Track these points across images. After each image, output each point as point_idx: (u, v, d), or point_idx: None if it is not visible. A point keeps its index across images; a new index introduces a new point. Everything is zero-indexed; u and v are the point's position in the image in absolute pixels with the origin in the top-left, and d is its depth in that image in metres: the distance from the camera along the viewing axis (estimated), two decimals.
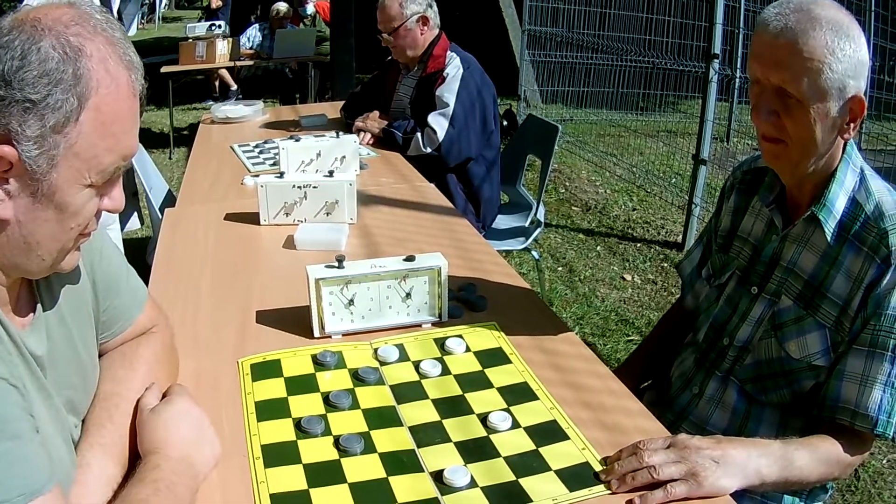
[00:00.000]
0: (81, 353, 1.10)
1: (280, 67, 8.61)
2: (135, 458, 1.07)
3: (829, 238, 1.35)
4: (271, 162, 2.75)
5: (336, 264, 1.48)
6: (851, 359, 1.32)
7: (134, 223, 3.60)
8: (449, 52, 3.14)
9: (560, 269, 4.39)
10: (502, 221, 3.41)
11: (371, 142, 3.12)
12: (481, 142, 3.14)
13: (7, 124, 0.84)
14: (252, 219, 2.15)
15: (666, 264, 4.43)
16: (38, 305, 1.01)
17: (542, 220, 3.37)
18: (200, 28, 8.42)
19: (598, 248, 4.72)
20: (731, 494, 1.12)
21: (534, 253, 3.57)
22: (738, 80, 5.12)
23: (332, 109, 3.73)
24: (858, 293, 1.32)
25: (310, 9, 8.73)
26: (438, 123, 2.99)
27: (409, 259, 1.52)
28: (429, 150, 2.99)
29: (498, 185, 3.35)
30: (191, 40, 7.79)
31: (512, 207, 3.57)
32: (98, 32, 0.89)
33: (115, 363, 1.20)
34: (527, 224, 3.40)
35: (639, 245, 4.75)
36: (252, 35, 8.59)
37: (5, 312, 0.93)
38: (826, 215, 1.35)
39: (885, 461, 2.63)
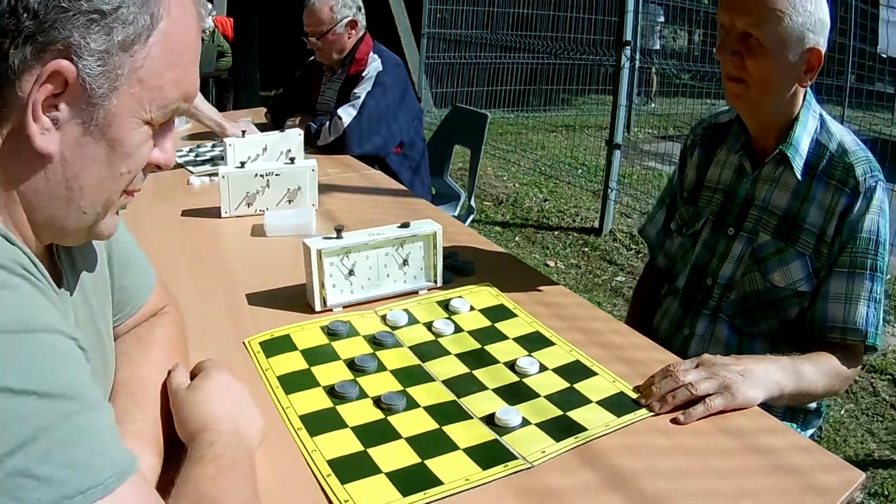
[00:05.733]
0: (103, 335, 1.02)
1: None
2: (169, 443, 1.00)
3: (798, 175, 1.46)
4: (212, 163, 2.69)
5: (335, 235, 1.47)
6: (834, 281, 1.44)
7: None
8: (372, 53, 3.13)
9: None
10: None
11: None
12: (394, 142, 3.13)
13: (68, 38, 0.75)
14: (210, 213, 2.09)
15: (587, 249, 4.57)
16: (64, 280, 0.91)
17: (474, 206, 3.42)
18: None
19: (517, 238, 4.82)
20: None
21: None
22: (637, 70, 5.37)
23: (254, 115, 3.68)
24: (833, 222, 1.43)
25: (209, 23, 8.54)
26: (346, 112, 2.97)
27: (405, 226, 1.52)
28: (332, 137, 2.95)
29: (428, 182, 3.38)
30: None
31: (441, 199, 3.59)
32: None
33: (130, 347, 1.12)
34: (456, 213, 3.45)
35: (556, 233, 4.88)
36: None
37: None
38: (793, 153, 1.47)
39: None
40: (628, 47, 4.34)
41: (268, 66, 6.72)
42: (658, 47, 7.11)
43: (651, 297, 1.82)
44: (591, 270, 4.25)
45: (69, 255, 0.94)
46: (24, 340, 0.66)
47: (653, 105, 8.19)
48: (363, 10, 3.18)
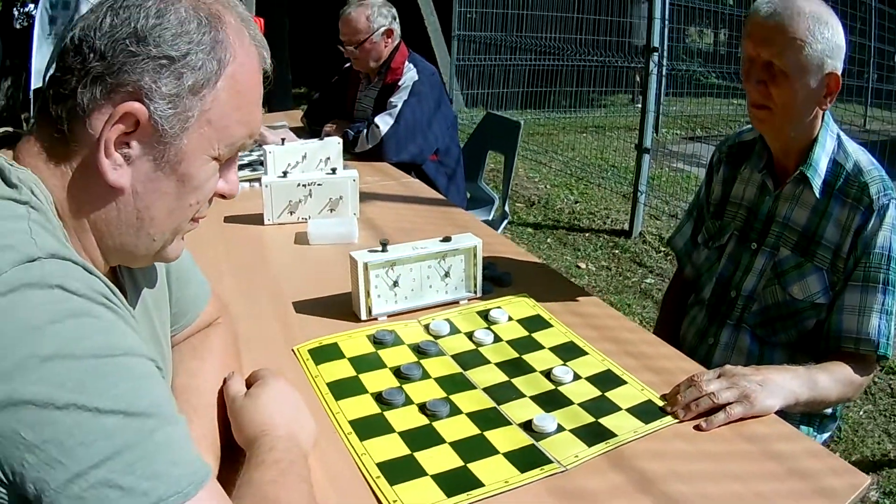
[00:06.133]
0: (163, 347, 1.09)
1: None
2: (225, 449, 1.07)
3: (816, 193, 1.55)
4: (249, 168, 2.80)
5: (380, 248, 1.57)
6: (848, 294, 1.53)
7: None
8: (407, 62, 3.22)
9: None
10: None
11: None
12: (430, 150, 3.22)
13: (138, 81, 0.80)
14: (253, 220, 2.19)
15: (617, 251, 4.64)
16: (128, 297, 0.98)
17: (508, 211, 3.51)
18: None
19: (549, 240, 4.89)
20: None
21: None
22: (664, 73, 5.42)
23: (289, 118, 3.78)
24: (848, 238, 1.52)
25: None
26: (383, 121, 3.06)
27: (446, 240, 1.62)
28: (370, 145, 3.03)
29: (463, 188, 3.47)
30: None
31: (475, 203, 3.68)
32: (230, 8, 0.89)
33: (185, 355, 1.19)
34: (491, 217, 3.54)
35: (587, 235, 4.95)
36: None
37: None
38: (812, 173, 1.55)
39: None
40: (656, 53, 4.39)
41: (299, 65, 6.82)
42: None
43: (679, 305, 1.91)
44: (621, 272, 4.32)
45: (131, 273, 1.02)
46: (108, 364, 0.72)
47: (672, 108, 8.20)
48: (398, 19, 3.27)
